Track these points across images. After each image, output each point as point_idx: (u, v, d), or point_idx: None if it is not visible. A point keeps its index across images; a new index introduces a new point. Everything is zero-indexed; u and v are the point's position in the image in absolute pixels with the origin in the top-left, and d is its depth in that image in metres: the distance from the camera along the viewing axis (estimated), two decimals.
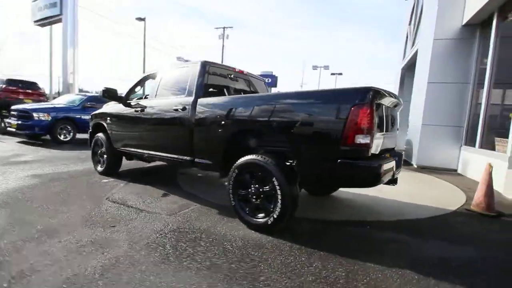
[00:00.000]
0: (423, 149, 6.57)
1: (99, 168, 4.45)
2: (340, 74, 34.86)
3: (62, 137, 7.89)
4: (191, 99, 3.05)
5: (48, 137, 7.91)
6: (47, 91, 14.74)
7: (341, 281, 1.81)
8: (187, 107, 3.05)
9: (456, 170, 6.31)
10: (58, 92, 18.90)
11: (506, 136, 4.65)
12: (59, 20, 13.92)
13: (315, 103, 2.21)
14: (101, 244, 2.14)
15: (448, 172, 6.12)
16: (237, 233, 2.46)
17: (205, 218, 2.78)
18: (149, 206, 3.07)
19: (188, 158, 3.11)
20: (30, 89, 10.59)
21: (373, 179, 2.04)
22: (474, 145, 5.75)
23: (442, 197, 4.05)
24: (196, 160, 3.05)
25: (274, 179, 2.30)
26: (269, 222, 2.37)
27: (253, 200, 2.53)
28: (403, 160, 3.06)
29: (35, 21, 15.09)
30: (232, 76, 3.58)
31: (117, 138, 4.09)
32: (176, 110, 3.15)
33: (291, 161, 2.50)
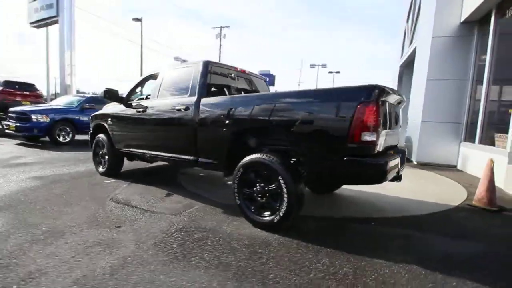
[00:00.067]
0: (422, 145, 6.61)
1: (101, 169, 4.43)
2: (338, 72, 34.94)
3: (61, 139, 7.85)
4: (194, 99, 3.05)
5: (46, 138, 7.88)
6: (43, 93, 14.64)
7: (349, 277, 1.82)
8: (190, 107, 3.05)
9: (455, 166, 6.35)
10: (55, 94, 18.81)
11: (506, 132, 4.69)
12: (56, 22, 13.85)
13: (321, 101, 2.21)
14: (108, 245, 2.13)
15: (448, 168, 6.16)
16: (243, 232, 2.46)
17: (210, 217, 2.78)
18: (153, 206, 3.07)
19: (191, 158, 3.11)
20: (27, 90, 10.53)
21: (380, 176, 2.06)
22: (473, 141, 5.80)
23: (444, 193, 4.08)
24: (200, 159, 3.05)
25: (280, 177, 2.31)
26: (275, 220, 2.38)
27: (259, 198, 2.53)
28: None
29: (31, 23, 14.99)
30: (234, 75, 3.58)
31: (119, 139, 4.08)
32: (179, 110, 3.15)
33: (294, 160, 2.51)
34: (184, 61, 28.20)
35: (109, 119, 4.19)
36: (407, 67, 9.92)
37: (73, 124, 8.07)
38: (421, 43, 7.03)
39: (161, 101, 3.51)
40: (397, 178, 2.50)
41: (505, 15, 5.23)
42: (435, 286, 1.77)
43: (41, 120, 7.53)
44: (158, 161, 4.20)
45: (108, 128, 4.21)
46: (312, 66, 34.79)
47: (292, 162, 2.49)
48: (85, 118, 8.18)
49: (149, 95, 3.95)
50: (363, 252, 2.15)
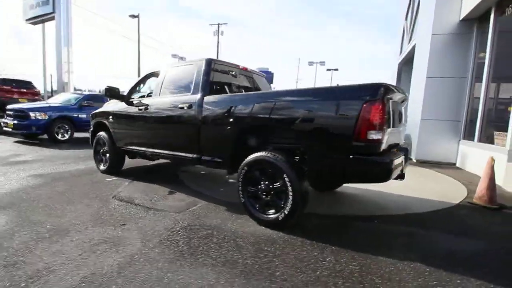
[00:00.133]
0: (422, 143, 6.65)
1: (102, 167, 4.41)
2: (336, 70, 34.94)
3: (59, 136, 7.80)
4: (197, 96, 3.04)
5: (45, 136, 7.82)
6: (41, 90, 14.50)
7: (355, 275, 1.83)
8: (193, 105, 3.04)
9: (454, 164, 6.40)
10: (51, 91, 18.64)
11: (505, 130, 4.73)
12: (52, 18, 13.69)
13: (327, 100, 2.22)
14: (114, 243, 2.13)
15: (447, 166, 6.21)
16: (248, 230, 2.47)
17: (213, 215, 2.79)
18: (157, 204, 3.07)
19: (195, 156, 3.10)
20: (24, 88, 10.44)
21: (385, 174, 2.07)
22: (472, 139, 5.84)
23: (444, 190, 4.11)
24: (203, 158, 3.05)
25: (284, 175, 2.32)
26: (280, 218, 2.39)
27: (263, 196, 2.54)
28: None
29: (27, 19, 14.81)
30: (236, 73, 3.58)
31: (120, 137, 4.06)
32: (182, 108, 3.14)
33: (297, 158, 2.52)
34: (182, 58, 28.05)
35: (110, 117, 4.17)
36: (406, 64, 9.94)
37: (71, 121, 8.02)
38: (421, 41, 7.04)
39: (163, 99, 3.50)
40: (401, 176, 2.52)
41: (505, 12, 5.25)
42: (440, 284, 1.79)
43: (40, 117, 7.47)
44: (159, 159, 4.19)
45: (109, 126, 4.19)
46: (311, 63, 34.77)
47: (296, 160, 2.50)
48: (84, 116, 8.13)
49: (151, 92, 3.94)
50: (368, 249, 2.17)
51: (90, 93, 10.27)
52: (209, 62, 3.15)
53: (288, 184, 2.31)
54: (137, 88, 4.18)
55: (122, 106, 3.99)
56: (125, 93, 4.06)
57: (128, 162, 4.62)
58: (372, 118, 1.98)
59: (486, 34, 5.59)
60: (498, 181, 4.23)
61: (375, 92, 2.01)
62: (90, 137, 4.75)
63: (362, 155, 2.04)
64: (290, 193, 2.31)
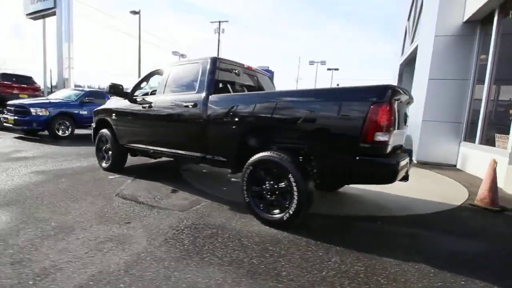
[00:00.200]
0: (423, 144, 6.67)
1: (104, 164, 4.41)
2: (337, 69, 34.95)
3: (60, 133, 7.80)
4: (202, 95, 3.04)
5: (45, 132, 7.81)
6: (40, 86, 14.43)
7: (361, 275, 1.85)
8: (198, 103, 3.04)
9: (455, 166, 6.43)
10: (51, 87, 18.56)
11: (506, 132, 4.75)
12: (53, 13, 13.61)
13: (334, 100, 2.22)
14: (119, 241, 2.14)
15: (447, 168, 6.23)
16: (252, 229, 2.48)
17: (217, 214, 2.79)
18: (160, 202, 3.07)
19: (199, 154, 3.11)
20: (25, 83, 10.39)
21: (391, 176, 2.08)
22: (473, 141, 5.86)
23: (446, 192, 4.13)
24: (208, 156, 3.05)
25: (290, 175, 2.32)
26: (285, 218, 2.40)
27: (268, 196, 2.55)
28: None
29: (27, 14, 14.72)
30: (240, 72, 3.57)
31: (124, 135, 4.06)
32: (187, 106, 3.14)
33: (301, 158, 2.52)
34: (182, 56, 27.97)
35: (114, 114, 4.16)
36: (408, 65, 9.96)
37: (72, 118, 8.01)
38: (423, 42, 7.05)
39: (167, 97, 3.49)
40: (405, 177, 2.53)
41: (508, 15, 5.26)
42: (445, 285, 1.80)
43: (40, 113, 7.45)
44: (162, 157, 4.19)
45: (112, 123, 4.19)
46: (311, 63, 34.75)
47: (301, 160, 2.50)
48: (85, 112, 8.13)
49: (154, 90, 3.93)
50: (372, 250, 2.19)
51: (91, 89, 10.23)
52: (215, 61, 3.14)
53: (294, 184, 2.31)
54: (141, 85, 4.17)
55: (126, 104, 3.99)
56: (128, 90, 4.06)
57: (130, 160, 4.61)
58: (379, 119, 1.98)
59: (489, 36, 5.60)
60: (499, 183, 4.24)
61: (382, 94, 2.02)
62: (92, 134, 4.74)
63: (368, 156, 2.05)
64: (296, 193, 2.31)
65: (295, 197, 2.32)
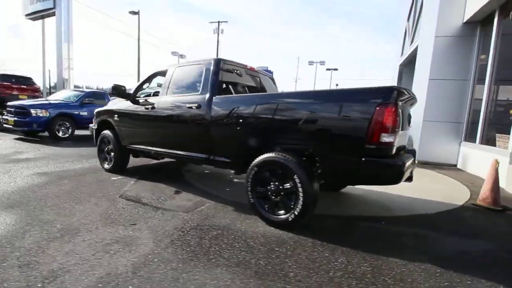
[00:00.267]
0: (423, 144, 6.69)
1: (106, 166, 4.41)
2: (336, 69, 35.00)
3: (60, 134, 7.78)
4: (206, 96, 3.05)
5: (45, 133, 7.79)
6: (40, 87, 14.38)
7: (368, 276, 1.86)
8: (202, 104, 3.04)
9: (455, 165, 6.46)
10: (49, 87, 18.49)
11: (507, 132, 4.77)
12: (52, 14, 13.57)
13: (340, 102, 2.23)
14: (126, 242, 2.14)
15: (448, 167, 6.26)
16: (257, 230, 2.49)
17: (222, 215, 2.80)
18: (164, 203, 3.07)
19: (203, 156, 3.11)
20: (24, 84, 10.36)
21: (397, 176, 2.09)
22: (474, 141, 5.89)
23: (447, 192, 4.15)
24: (212, 158, 3.05)
25: (295, 176, 2.33)
26: (290, 219, 2.41)
27: (273, 197, 2.55)
28: None
29: (27, 15, 14.68)
30: (243, 73, 3.58)
31: (126, 136, 4.06)
32: (190, 107, 3.14)
33: (305, 159, 2.53)
34: (182, 56, 27.94)
35: (116, 115, 4.15)
36: (407, 66, 9.99)
37: (72, 119, 8.00)
38: (423, 43, 7.07)
39: (170, 98, 3.50)
40: (410, 178, 2.54)
41: (508, 16, 5.29)
42: (451, 285, 1.81)
43: (41, 114, 7.44)
44: (164, 158, 4.19)
45: (114, 125, 4.18)
46: (311, 63, 34.79)
47: (305, 161, 2.51)
48: (85, 113, 8.11)
49: (157, 91, 3.93)
50: (378, 250, 2.20)
51: (91, 90, 10.21)
52: (218, 62, 3.15)
53: (299, 185, 2.32)
54: (143, 86, 4.17)
55: (128, 105, 3.98)
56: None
57: (131, 161, 4.61)
58: (385, 121, 2.00)
59: (489, 37, 5.63)
60: (500, 183, 4.27)
61: (388, 95, 2.03)
62: (94, 135, 4.73)
63: (374, 157, 2.06)
64: (301, 194, 2.32)
65: (301, 198, 2.33)
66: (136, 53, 22.86)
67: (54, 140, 7.51)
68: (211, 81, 3.08)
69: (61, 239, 2.15)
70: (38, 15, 14.27)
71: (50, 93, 15.42)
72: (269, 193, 2.57)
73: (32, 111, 7.34)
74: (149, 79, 4.11)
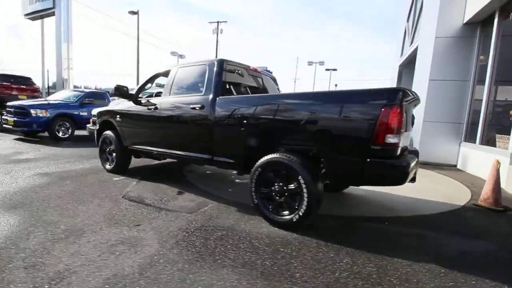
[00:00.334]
0: (423, 145, 6.70)
1: (108, 166, 4.40)
2: (335, 70, 35.06)
3: (60, 134, 7.77)
4: (209, 97, 3.05)
5: (45, 134, 7.77)
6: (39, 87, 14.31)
7: (374, 276, 1.86)
8: (205, 105, 3.04)
9: (455, 166, 6.48)
10: (48, 87, 18.41)
11: (507, 133, 4.80)
12: (52, 14, 13.52)
13: (345, 103, 2.24)
14: (131, 243, 2.14)
15: (448, 168, 6.29)
16: (262, 231, 2.49)
17: (226, 216, 2.80)
18: (167, 204, 3.07)
19: (206, 156, 3.11)
20: (23, 84, 10.32)
21: (402, 177, 2.10)
22: (474, 142, 5.92)
23: (449, 192, 4.17)
24: (215, 158, 3.05)
25: (300, 177, 2.34)
26: (294, 220, 2.41)
27: (277, 198, 2.56)
28: None
29: (26, 15, 14.62)
30: (246, 73, 3.58)
31: (128, 136, 4.05)
32: (194, 108, 3.14)
33: (311, 159, 2.54)
34: (181, 56, 27.90)
35: (118, 116, 4.15)
36: (407, 66, 10.02)
37: (72, 119, 7.98)
38: (423, 43, 7.10)
39: (173, 98, 3.49)
40: (413, 178, 2.55)
41: (508, 17, 5.32)
42: (456, 285, 1.82)
43: (41, 115, 7.42)
44: (166, 158, 4.18)
45: (116, 125, 4.18)
46: (310, 63, 34.83)
47: (309, 161, 2.51)
48: (85, 114, 8.09)
49: (159, 92, 3.93)
50: (382, 251, 2.20)
51: (91, 90, 10.19)
52: (221, 63, 3.15)
53: (303, 186, 2.33)
54: (145, 87, 4.17)
55: (131, 105, 3.98)
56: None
57: (133, 162, 4.61)
58: (390, 122, 2.00)
59: (489, 38, 5.66)
60: (501, 184, 4.30)
61: (393, 97, 2.04)
62: (95, 135, 4.72)
63: (379, 158, 2.07)
64: (305, 194, 2.33)
65: (305, 199, 2.33)
66: (136, 53, 22.82)
67: (54, 141, 7.49)
68: (214, 82, 3.08)
69: (65, 240, 2.14)
70: (37, 15, 14.20)
71: (48, 93, 15.36)
72: (273, 193, 2.57)
73: (32, 111, 7.32)
74: (151, 80, 4.11)
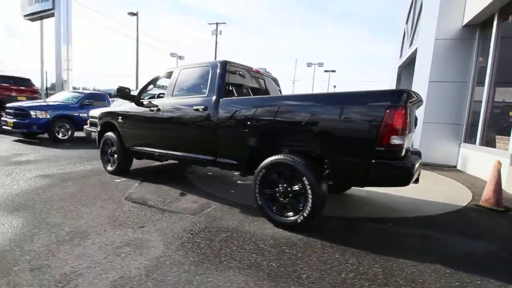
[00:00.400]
0: (423, 146, 6.72)
1: (109, 168, 4.39)
2: (333, 71, 35.16)
3: (60, 136, 7.74)
4: (213, 98, 3.05)
5: (45, 135, 7.74)
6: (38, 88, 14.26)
7: (380, 277, 1.87)
8: (208, 106, 3.05)
9: (455, 167, 6.51)
10: (46, 88, 18.34)
11: (506, 134, 4.83)
12: (51, 15, 13.48)
13: (350, 104, 2.25)
14: (136, 245, 2.13)
15: (448, 169, 6.31)
16: (266, 232, 2.49)
17: (229, 217, 2.80)
18: (171, 206, 3.07)
19: (209, 157, 3.11)
20: (23, 85, 10.27)
21: (407, 178, 2.11)
22: (474, 142, 5.95)
23: (450, 193, 4.19)
24: (218, 160, 3.05)
25: (304, 178, 2.34)
26: (299, 221, 2.41)
27: (281, 199, 2.56)
28: None
29: (25, 15, 14.58)
30: (249, 75, 3.59)
31: (130, 138, 4.05)
32: (197, 110, 3.14)
33: (315, 161, 2.54)
34: (180, 57, 27.93)
35: (119, 117, 4.14)
36: (406, 67, 10.07)
37: (72, 120, 7.95)
38: (423, 45, 7.14)
39: (176, 100, 3.50)
40: (416, 179, 2.56)
41: (508, 19, 5.36)
42: (462, 285, 1.83)
43: (40, 116, 7.39)
44: (167, 160, 4.18)
45: (118, 127, 4.17)
46: (309, 65, 34.91)
47: (314, 162, 2.52)
48: (85, 115, 8.06)
49: (162, 93, 3.93)
50: (387, 252, 2.21)
51: (90, 91, 10.17)
52: (224, 64, 3.16)
53: (308, 187, 2.33)
54: (148, 89, 4.17)
55: (132, 107, 3.98)
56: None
57: (134, 163, 4.60)
58: (395, 123, 2.02)
59: (488, 40, 5.70)
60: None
61: (398, 98, 2.05)
62: (97, 137, 4.71)
63: (384, 159, 2.08)
64: (310, 195, 2.33)
65: (310, 200, 2.34)
66: (135, 54, 22.78)
67: (53, 142, 7.47)
68: (217, 83, 3.09)
69: (70, 242, 2.13)
70: (36, 16, 14.16)
71: (47, 94, 15.30)
72: (277, 195, 2.57)
73: (32, 112, 7.29)
74: (153, 81, 4.11)
